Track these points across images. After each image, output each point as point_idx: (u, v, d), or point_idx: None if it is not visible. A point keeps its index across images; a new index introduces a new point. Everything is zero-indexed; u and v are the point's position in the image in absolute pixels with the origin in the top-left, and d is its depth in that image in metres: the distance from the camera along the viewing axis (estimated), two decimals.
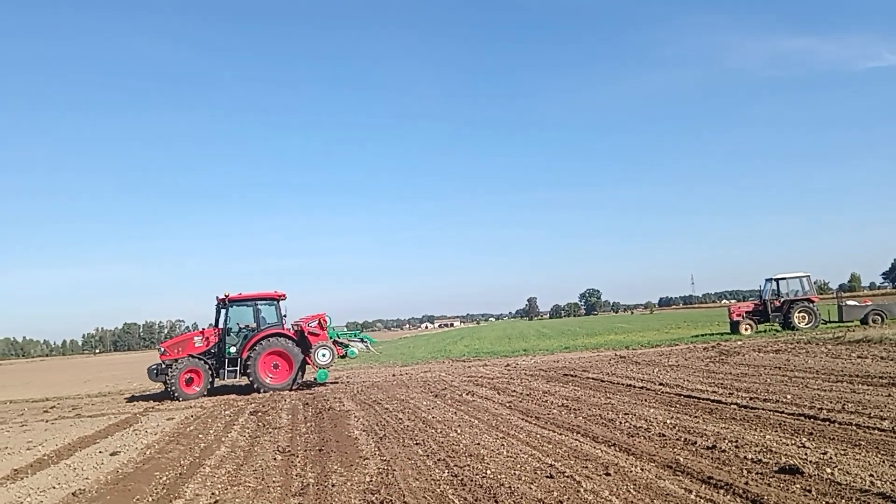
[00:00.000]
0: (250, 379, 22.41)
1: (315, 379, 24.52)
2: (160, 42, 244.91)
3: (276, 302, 23.86)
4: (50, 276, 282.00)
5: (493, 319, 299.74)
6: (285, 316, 24.11)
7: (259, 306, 23.50)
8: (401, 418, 14.19)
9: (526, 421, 12.75)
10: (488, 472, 8.81)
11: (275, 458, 10.89)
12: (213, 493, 8.78)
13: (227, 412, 17.78)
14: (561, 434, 11.15)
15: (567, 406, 14.17)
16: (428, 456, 10.17)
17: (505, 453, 9.93)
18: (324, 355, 23.16)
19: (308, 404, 18.01)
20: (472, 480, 8.42)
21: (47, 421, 18.89)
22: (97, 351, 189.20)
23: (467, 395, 17.50)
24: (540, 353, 33.28)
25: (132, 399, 23.63)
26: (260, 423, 15.10)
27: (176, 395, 21.56)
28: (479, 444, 10.78)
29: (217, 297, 23.50)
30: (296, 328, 23.79)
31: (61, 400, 26.04)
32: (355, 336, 26.37)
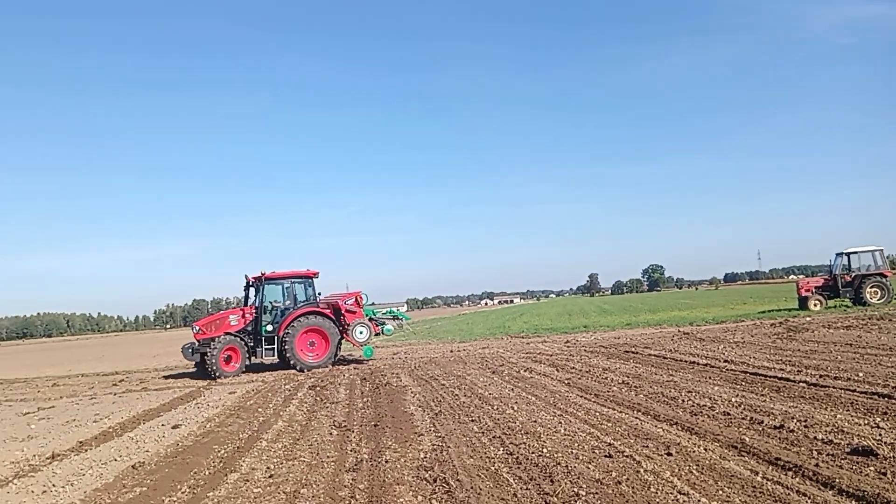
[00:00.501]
0: (287, 357, 22.33)
1: (363, 355, 24.71)
2: (247, 23, 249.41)
3: (310, 280, 23.96)
4: (124, 254, 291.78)
5: (553, 296, 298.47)
6: (320, 294, 24.29)
7: (294, 284, 23.62)
8: (457, 394, 14.06)
9: (585, 398, 12.47)
10: (544, 450, 8.60)
11: (330, 433, 10.87)
12: (268, 468, 8.78)
13: (287, 386, 17.95)
14: (621, 412, 10.85)
15: (627, 383, 13.83)
16: (483, 433, 10.01)
17: (562, 431, 9.69)
18: (361, 332, 23.39)
19: (366, 379, 18.04)
20: (527, 459, 8.22)
21: (115, 394, 19.39)
22: (168, 326, 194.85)
23: (525, 371, 17.27)
24: (600, 330, 32.79)
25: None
26: (318, 398, 15.17)
27: (216, 373, 21.46)
28: (535, 421, 10.56)
29: (246, 276, 23.65)
30: (332, 305, 23.84)
31: (130, 374, 26.78)
32: (389, 314, 26.36)
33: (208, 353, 21.57)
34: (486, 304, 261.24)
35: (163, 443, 11.11)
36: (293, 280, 23.54)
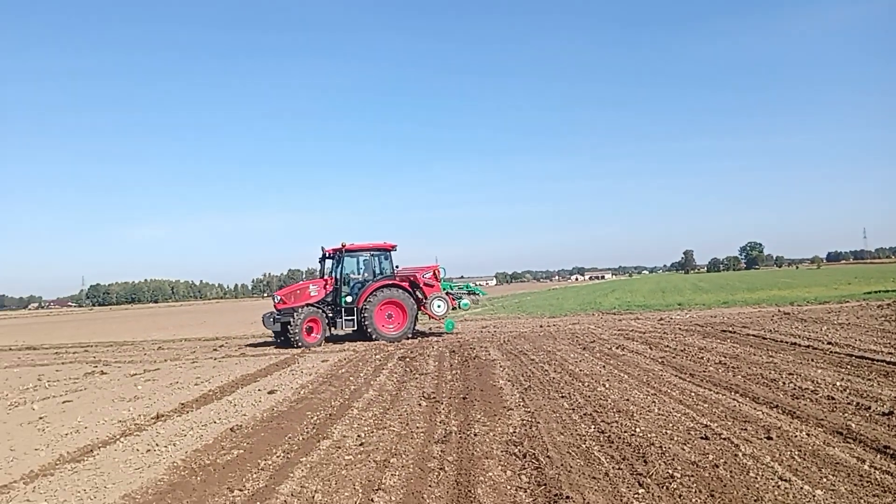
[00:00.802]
0: (367, 328, 22.48)
1: (444, 328, 25.07)
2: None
3: (388, 252, 24.14)
4: (225, 224, 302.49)
5: (646, 272, 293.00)
6: (397, 267, 24.42)
7: (373, 257, 23.81)
8: (546, 370, 13.93)
9: (679, 378, 12.14)
10: (637, 429, 8.41)
11: (420, 404, 10.94)
12: (359, 436, 8.91)
13: (377, 357, 18.20)
14: (717, 393, 10.51)
15: (725, 364, 13.38)
16: (574, 410, 9.87)
17: (656, 411, 9.46)
18: (439, 306, 23.56)
19: (454, 352, 18.10)
20: (619, 438, 8.05)
21: (215, 359, 20.11)
22: (265, 295, 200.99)
23: (617, 348, 16.97)
24: (696, 308, 31.90)
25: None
26: (407, 369, 15.31)
27: (299, 342, 21.72)
28: (628, 400, 10.35)
29: (322, 248, 23.94)
30: (409, 278, 23.91)
31: (230, 339, 27.76)
32: (466, 289, 26.29)
33: (291, 324, 21.81)
34: (576, 279, 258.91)
35: (259, 407, 11.44)
36: (372, 252, 23.79)
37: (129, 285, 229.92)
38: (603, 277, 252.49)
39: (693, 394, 10.55)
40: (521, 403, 10.57)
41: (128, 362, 20.64)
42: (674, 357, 14.81)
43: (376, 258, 23.83)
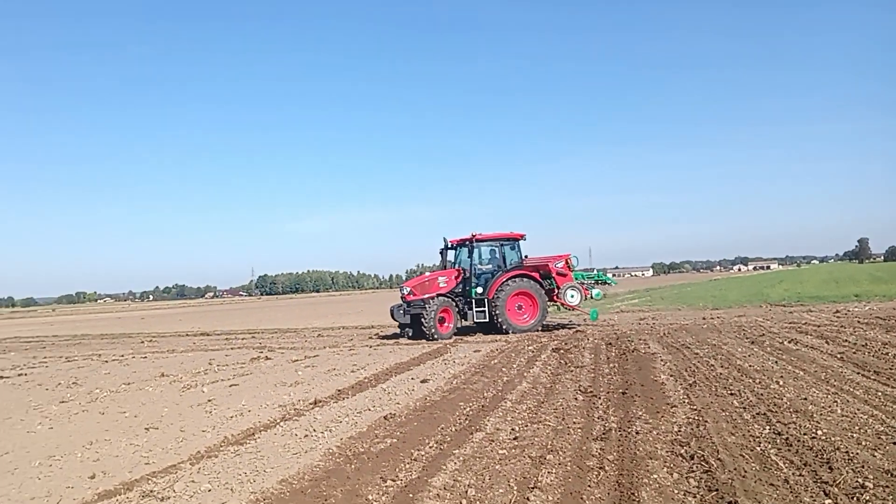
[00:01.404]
0: (498, 320, 22.01)
1: (587, 319, 24.82)
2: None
3: (517, 242, 23.56)
4: (381, 217, 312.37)
5: (815, 262, 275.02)
6: (526, 256, 23.82)
7: (502, 247, 23.27)
8: (712, 365, 13.07)
9: (863, 376, 11.00)
10: (818, 432, 7.60)
11: (576, 398, 10.51)
12: (512, 429, 8.62)
13: (529, 347, 17.88)
14: None
15: None
16: (745, 408, 9.12)
17: (839, 412, 8.55)
18: (573, 296, 22.86)
19: (611, 345, 17.45)
20: (798, 440, 7.30)
21: (371, 347, 20.54)
22: None
23: (789, 343, 15.75)
24: (875, 300, 29.34)
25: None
26: (562, 361, 14.88)
27: (433, 334, 21.44)
28: (805, 398, 9.46)
29: (445, 239, 23.64)
30: (539, 268, 23.27)
31: (384, 328, 28.33)
32: (597, 278, 25.47)
33: (424, 315, 21.56)
34: (738, 269, 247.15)
35: (412, 396, 11.41)
36: (501, 242, 23.30)
37: (293, 276, 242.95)
38: (768, 268, 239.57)
39: (880, 393, 9.49)
40: (686, 400, 9.92)
41: (290, 348, 21.45)
42: (854, 353, 13.53)
43: (505, 248, 23.35)
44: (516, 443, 7.96)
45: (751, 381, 11.10)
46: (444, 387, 12.22)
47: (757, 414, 8.71)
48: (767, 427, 8.02)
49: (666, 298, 41.47)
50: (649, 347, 16.45)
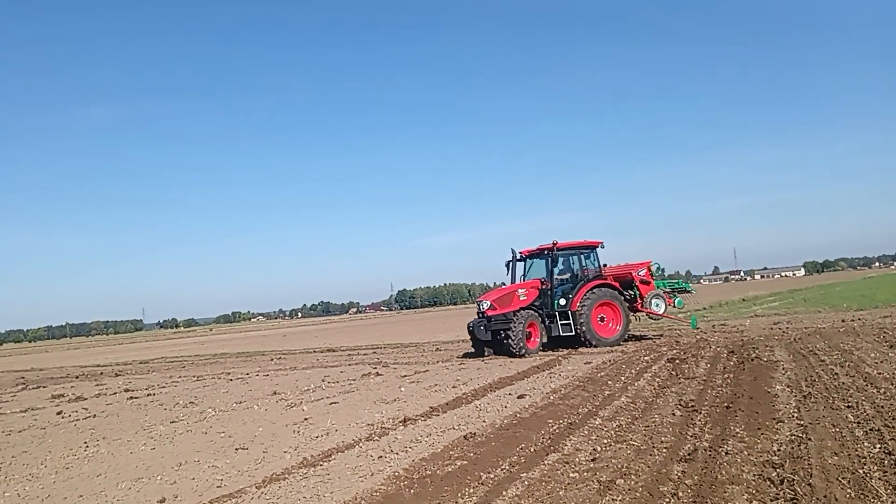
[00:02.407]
0: (583, 333, 20.76)
1: (690, 325, 23.88)
2: None
3: (595, 250, 22.42)
4: (515, 228, 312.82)
5: None
6: (605, 265, 22.69)
7: (580, 255, 22.13)
8: (836, 373, 11.90)
9: None
10: None
11: (674, 414, 9.80)
12: (594, 450, 8.08)
13: (646, 357, 17.05)
14: None
15: None
16: (859, 423, 8.16)
17: None
18: (657, 304, 21.78)
19: (733, 352, 16.36)
20: None
21: (483, 360, 20.23)
22: None
23: None
24: None
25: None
26: (673, 372, 14.03)
27: (521, 350, 20.07)
28: None
29: (512, 250, 22.59)
30: (619, 277, 22.16)
31: None
32: (678, 285, 23.90)
33: (512, 330, 20.18)
34: None
35: (503, 413, 11.02)
36: (580, 251, 22.20)
37: (431, 290, 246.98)
38: None
39: None
40: (796, 414, 9.01)
41: (404, 363, 21.50)
42: None
43: (583, 257, 22.25)
44: (592, 465, 7.44)
45: (875, 391, 9.99)
46: (540, 402, 11.74)
47: (870, 430, 7.77)
48: (878, 445, 7.12)
49: (809, 300, 38.82)
50: (773, 355, 15.29)
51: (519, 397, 12.49)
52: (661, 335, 23.37)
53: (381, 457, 8.68)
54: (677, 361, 15.61)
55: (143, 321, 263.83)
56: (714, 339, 20.12)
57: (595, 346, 20.61)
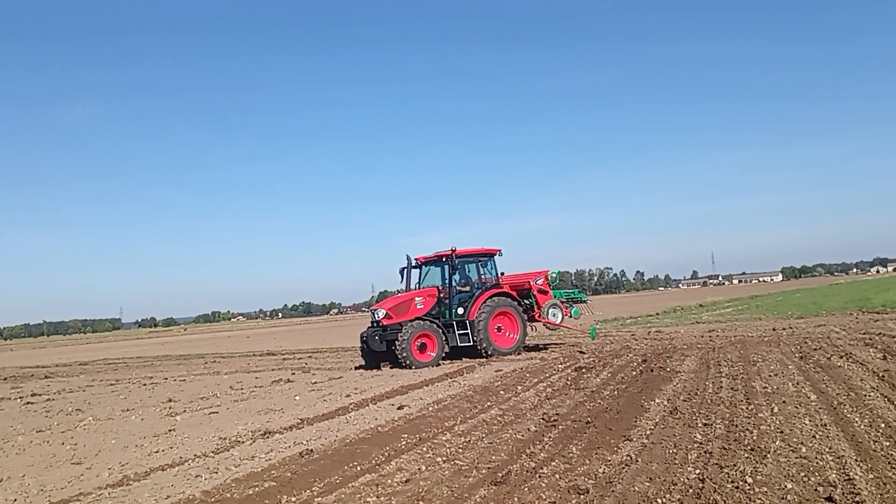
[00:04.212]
0: (480, 343, 19.92)
1: (589, 336, 23.55)
2: None
3: (493, 258, 21.88)
4: (494, 228, 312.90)
5: None
6: (503, 273, 22.20)
7: (478, 263, 21.50)
8: (722, 386, 11.48)
9: (888, 401, 9.21)
10: (758, 476, 6.23)
11: (529, 429, 9.30)
12: (418, 469, 7.58)
13: (559, 365, 16.61)
14: None
15: None
16: (700, 444, 7.72)
17: (804, 451, 7.02)
18: (554, 315, 21.35)
19: (645, 361, 15.95)
20: (718, 489, 5.94)
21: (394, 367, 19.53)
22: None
23: (841, 358, 13.83)
24: None
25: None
26: (568, 382, 13.58)
27: (409, 362, 18.98)
28: (783, 432, 7.91)
29: (408, 256, 21.74)
30: (516, 286, 21.70)
31: None
32: (572, 296, 23.52)
33: (398, 341, 19.12)
34: (877, 271, 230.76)
35: (366, 426, 10.48)
36: (478, 258, 21.56)
37: None
38: None
39: (881, 427, 7.80)
40: (649, 432, 8.55)
41: (327, 369, 20.99)
42: None
43: (481, 265, 21.57)
44: (401, 487, 6.95)
45: (743, 407, 9.57)
46: (414, 414, 11.25)
47: (704, 452, 7.33)
48: (699, 470, 6.66)
49: (762, 307, 38.51)
50: (683, 364, 14.92)
51: (398, 408, 11.96)
52: (578, 344, 22.86)
53: (198, 476, 8.11)
54: (583, 370, 15.16)
55: (121, 320, 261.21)
56: (638, 347, 19.70)
57: (491, 356, 19.97)
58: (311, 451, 8.92)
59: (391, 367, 19.67)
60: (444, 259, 20.90)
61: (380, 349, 19.63)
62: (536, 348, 22.36)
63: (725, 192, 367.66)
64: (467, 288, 21.18)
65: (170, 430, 11.59)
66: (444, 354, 19.86)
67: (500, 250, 21.97)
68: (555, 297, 22.06)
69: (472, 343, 20.09)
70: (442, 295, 20.81)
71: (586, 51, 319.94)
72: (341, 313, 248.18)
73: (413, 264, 21.83)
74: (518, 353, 20.44)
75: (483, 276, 21.50)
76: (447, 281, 20.89)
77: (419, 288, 21.54)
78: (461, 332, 20.22)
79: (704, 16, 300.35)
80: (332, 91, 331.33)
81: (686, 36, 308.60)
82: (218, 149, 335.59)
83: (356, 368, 20.32)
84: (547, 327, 22.11)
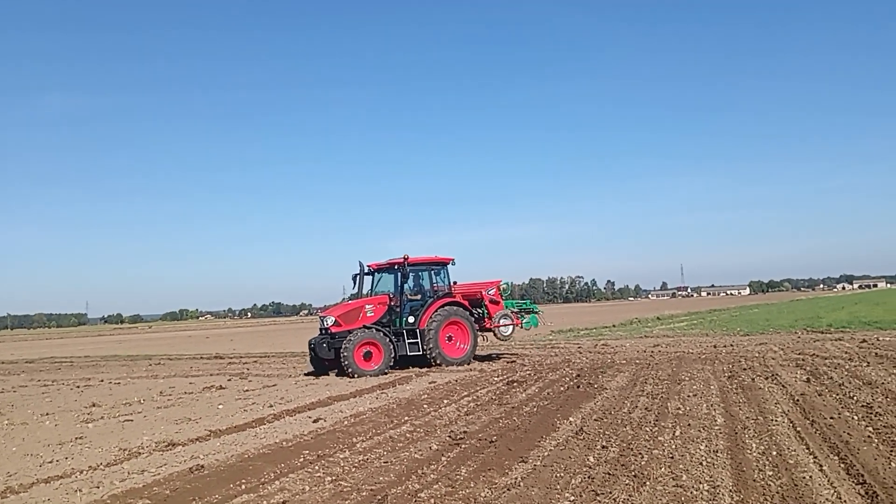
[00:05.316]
0: (429, 353, 19.82)
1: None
2: None
3: (445, 267, 21.76)
4: (472, 236, 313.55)
5: None
6: (455, 283, 22.08)
7: (430, 272, 21.39)
8: (638, 405, 11.46)
9: (793, 429, 9.22)
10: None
11: (430, 448, 9.18)
12: (301, 489, 7.43)
13: (494, 378, 16.49)
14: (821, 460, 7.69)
15: (872, 409, 10.14)
16: (591, 467, 7.68)
17: (684, 478, 6.97)
18: (506, 325, 21.38)
19: (580, 376, 15.86)
20: None
21: (338, 375, 19.28)
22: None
23: (766, 379, 13.93)
24: None
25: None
26: (493, 397, 13.48)
27: (352, 371, 18.63)
28: (673, 458, 7.86)
29: (360, 263, 21.42)
30: (468, 296, 21.65)
31: None
32: (524, 306, 23.53)
33: (343, 349, 18.77)
34: (842, 287, 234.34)
35: (272, 440, 10.27)
36: (430, 267, 21.45)
37: None
38: (875, 286, 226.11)
39: (762, 462, 7.79)
40: (548, 454, 8.46)
41: (265, 375, 20.68)
42: (821, 394, 11.67)
43: (434, 273, 21.44)
44: None
45: (648, 428, 9.56)
46: (327, 428, 11.06)
47: (588, 478, 7.24)
48: (583, 495, 6.58)
49: (716, 322, 38.71)
50: (614, 381, 14.85)
51: (314, 421, 11.76)
52: (530, 355, 22.84)
53: (78, 490, 7.88)
54: (515, 384, 15.08)
55: (87, 315, 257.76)
56: (578, 361, 19.64)
57: (441, 366, 19.84)
58: (202, 466, 8.71)
59: (337, 375, 19.35)
60: (396, 266, 20.64)
61: (328, 357, 19.48)
62: (489, 358, 22.33)
63: (697, 205, 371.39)
64: (419, 296, 20.99)
65: (76, 439, 11.29)
66: (391, 363, 19.55)
67: (452, 259, 21.83)
68: (506, 307, 22.01)
69: (421, 352, 19.91)
70: (393, 303, 20.57)
71: (559, 60, 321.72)
72: (311, 314, 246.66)
73: (366, 271, 21.54)
74: (468, 364, 20.30)
75: (435, 285, 21.35)
76: (399, 289, 20.65)
77: (372, 295, 21.35)
78: (411, 340, 19.96)
79: (685, 27, 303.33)
80: (306, 92, 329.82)
81: (666, 49, 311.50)
82: (193, 147, 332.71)
83: (297, 376, 20.00)
84: (497, 337, 21.99)
